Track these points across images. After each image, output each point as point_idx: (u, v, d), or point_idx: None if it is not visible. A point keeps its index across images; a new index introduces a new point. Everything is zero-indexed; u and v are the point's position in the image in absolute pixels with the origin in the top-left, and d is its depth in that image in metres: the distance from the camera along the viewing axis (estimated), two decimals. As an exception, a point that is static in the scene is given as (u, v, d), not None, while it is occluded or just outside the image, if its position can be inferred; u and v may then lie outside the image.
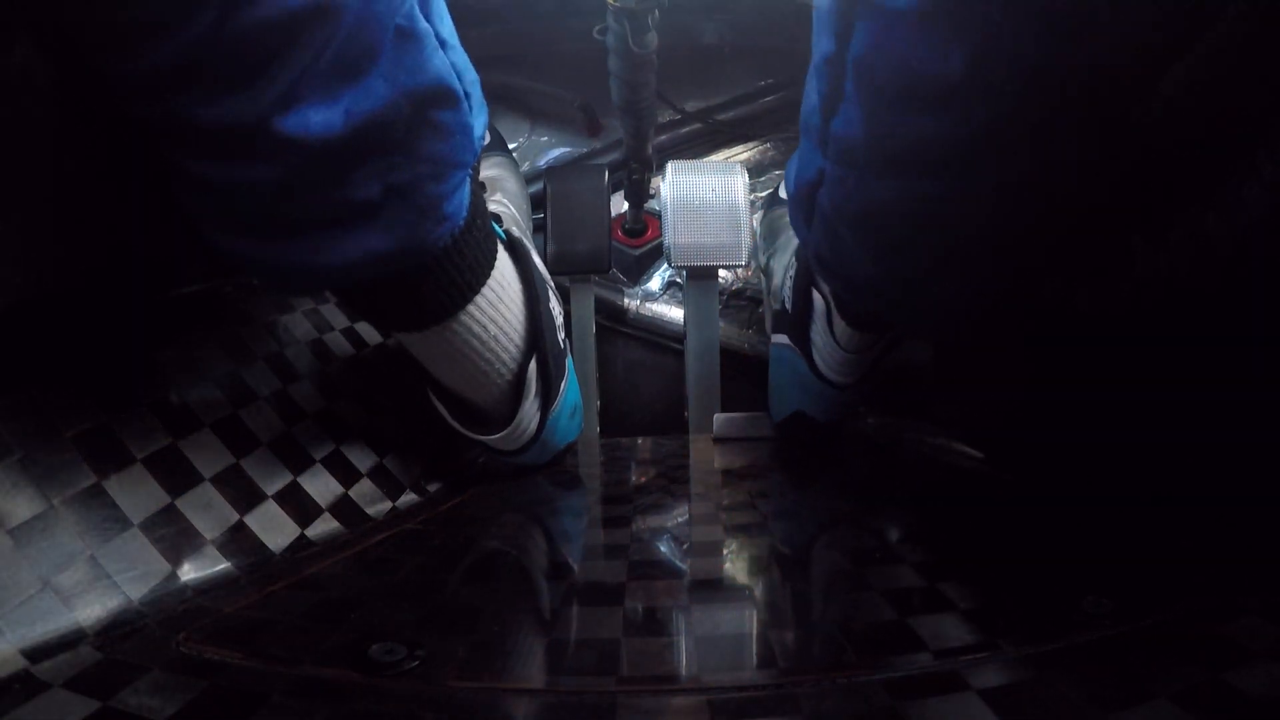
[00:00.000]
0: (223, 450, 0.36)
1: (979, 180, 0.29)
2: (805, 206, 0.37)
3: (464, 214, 0.34)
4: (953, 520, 0.38)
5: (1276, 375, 0.28)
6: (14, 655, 0.24)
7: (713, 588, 0.31)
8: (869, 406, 0.65)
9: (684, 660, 0.25)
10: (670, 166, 0.62)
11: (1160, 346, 0.34)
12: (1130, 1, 0.23)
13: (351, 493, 0.41)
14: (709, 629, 0.27)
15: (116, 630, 0.27)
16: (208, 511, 0.33)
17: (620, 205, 0.72)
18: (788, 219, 0.60)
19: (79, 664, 0.24)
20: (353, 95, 0.26)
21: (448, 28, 0.31)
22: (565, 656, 0.26)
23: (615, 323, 0.74)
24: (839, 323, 0.46)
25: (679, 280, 0.74)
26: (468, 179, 0.34)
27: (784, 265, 0.55)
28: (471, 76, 0.32)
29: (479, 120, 0.33)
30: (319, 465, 0.40)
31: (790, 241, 0.57)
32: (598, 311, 0.67)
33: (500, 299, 0.40)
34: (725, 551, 0.35)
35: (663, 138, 0.75)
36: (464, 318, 0.38)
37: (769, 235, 0.62)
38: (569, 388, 0.48)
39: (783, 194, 0.62)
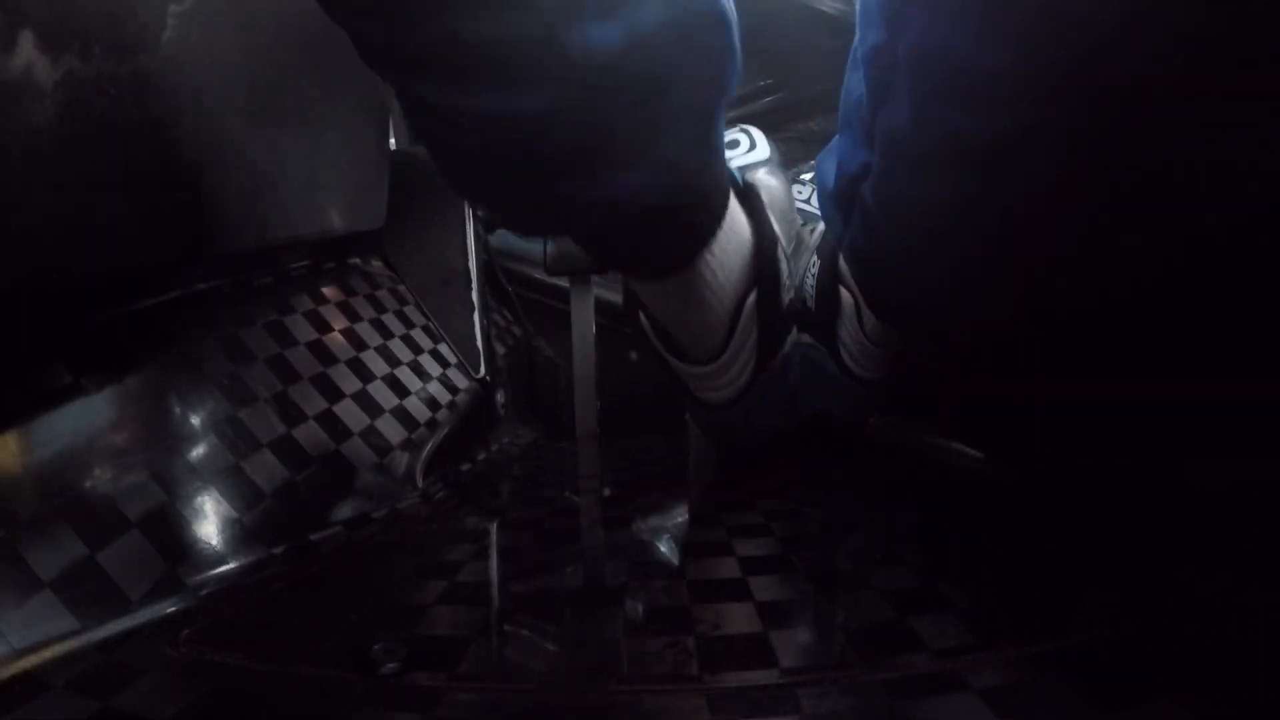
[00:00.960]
0: (223, 450, 0.36)
1: (1026, 178, 0.29)
2: (844, 200, 0.37)
3: (724, 142, 0.33)
4: (953, 520, 0.38)
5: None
6: (14, 657, 0.24)
7: (713, 587, 0.31)
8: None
9: (684, 660, 0.25)
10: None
11: (1163, 345, 0.34)
12: (1169, 13, 0.23)
13: (352, 493, 0.41)
14: (709, 629, 0.27)
15: (117, 631, 0.27)
16: (208, 512, 0.33)
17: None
18: (799, 218, 0.60)
19: (79, 665, 0.24)
20: (631, 12, 0.26)
21: None
22: (566, 656, 0.26)
23: (615, 323, 0.74)
24: (868, 318, 0.45)
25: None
26: (724, 107, 0.33)
27: (803, 263, 0.55)
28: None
29: (739, 45, 0.32)
30: (319, 466, 0.40)
31: (807, 239, 0.56)
32: (598, 312, 0.67)
33: (729, 242, 0.38)
34: (725, 551, 0.35)
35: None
36: (698, 263, 0.36)
37: None
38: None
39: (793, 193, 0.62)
